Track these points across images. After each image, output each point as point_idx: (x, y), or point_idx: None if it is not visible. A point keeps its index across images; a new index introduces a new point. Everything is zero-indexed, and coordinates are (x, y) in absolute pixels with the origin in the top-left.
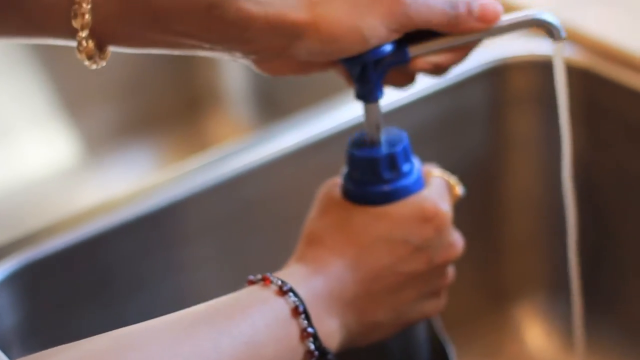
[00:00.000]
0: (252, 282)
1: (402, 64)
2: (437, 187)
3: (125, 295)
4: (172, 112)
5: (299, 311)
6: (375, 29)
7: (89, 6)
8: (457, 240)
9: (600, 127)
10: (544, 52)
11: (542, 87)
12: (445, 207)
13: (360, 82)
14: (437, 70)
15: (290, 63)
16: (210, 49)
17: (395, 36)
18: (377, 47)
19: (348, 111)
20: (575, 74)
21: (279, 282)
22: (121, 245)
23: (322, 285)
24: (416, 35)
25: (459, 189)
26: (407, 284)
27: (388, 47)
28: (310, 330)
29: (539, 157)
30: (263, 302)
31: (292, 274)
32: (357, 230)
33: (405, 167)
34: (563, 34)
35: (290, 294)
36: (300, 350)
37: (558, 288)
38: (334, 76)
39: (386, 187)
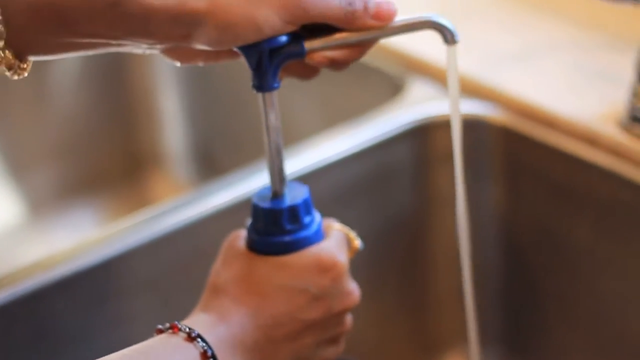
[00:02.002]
0: (160, 331)
1: (298, 57)
2: (335, 239)
3: (63, 350)
4: (114, 171)
5: (208, 355)
6: (269, 18)
7: (0, 17)
8: (354, 289)
9: (521, 183)
10: (468, 111)
11: (464, 144)
12: (343, 258)
13: (256, 72)
14: (334, 65)
15: (195, 51)
16: (118, 45)
17: (291, 28)
18: (273, 38)
19: None
20: (496, 132)
21: (187, 329)
22: (59, 300)
23: (226, 332)
24: (314, 29)
25: (358, 242)
26: (306, 331)
27: (283, 39)
28: None
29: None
30: (174, 348)
31: (197, 322)
32: (259, 279)
33: (306, 219)
34: (457, 37)
35: (199, 339)
36: None
37: (483, 337)
38: None
39: (287, 238)
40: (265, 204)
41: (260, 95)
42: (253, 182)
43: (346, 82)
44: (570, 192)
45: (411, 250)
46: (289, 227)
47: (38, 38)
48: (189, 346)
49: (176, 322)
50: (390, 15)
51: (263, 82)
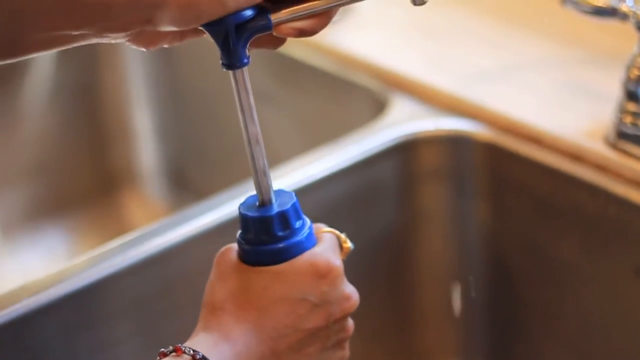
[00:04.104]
0: (164, 354)
1: (265, 30)
2: (328, 242)
3: None
4: (86, 191)
5: None
6: None
7: None
8: (352, 292)
9: (507, 200)
10: (452, 127)
11: (449, 161)
12: (338, 261)
13: (224, 49)
14: (303, 35)
15: (159, 34)
16: (82, 36)
17: (255, 1)
18: (238, 13)
19: None
20: (482, 148)
21: (191, 352)
22: (45, 325)
23: (230, 351)
24: (279, 1)
25: (349, 243)
26: (310, 340)
27: (249, 12)
28: None
29: (448, 229)
30: None
31: (199, 342)
32: (256, 293)
33: (297, 224)
34: None
35: None
36: None
37: (470, 354)
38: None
39: (280, 245)
40: (254, 213)
41: (231, 74)
42: (237, 203)
43: (329, 99)
44: (556, 208)
45: (396, 266)
46: (280, 233)
47: None
48: None
49: (179, 345)
50: None
51: (232, 59)
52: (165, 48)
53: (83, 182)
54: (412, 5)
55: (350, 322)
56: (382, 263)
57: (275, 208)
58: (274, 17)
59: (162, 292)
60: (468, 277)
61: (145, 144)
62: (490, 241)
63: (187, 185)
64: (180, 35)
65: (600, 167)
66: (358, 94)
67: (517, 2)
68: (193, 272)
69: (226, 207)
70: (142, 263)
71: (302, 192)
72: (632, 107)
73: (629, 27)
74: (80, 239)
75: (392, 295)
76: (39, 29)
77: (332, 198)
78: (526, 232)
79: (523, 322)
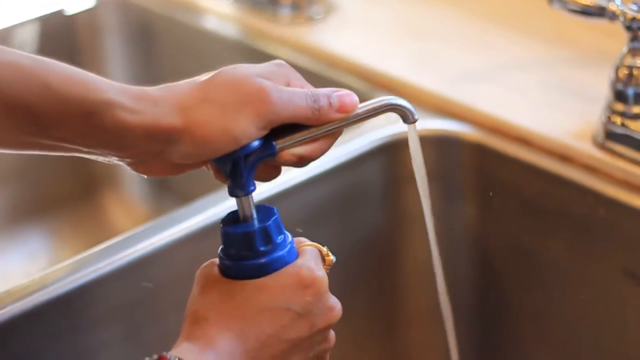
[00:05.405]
0: None
1: (271, 157)
2: (311, 255)
3: None
4: (68, 195)
5: None
6: (245, 129)
7: None
8: (335, 304)
9: (495, 200)
10: (439, 128)
11: (436, 162)
12: (321, 273)
13: (232, 178)
14: (302, 161)
15: (165, 165)
16: (88, 152)
17: (264, 133)
18: (247, 144)
19: None
20: (469, 149)
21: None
22: (31, 331)
23: None
24: (279, 127)
25: (332, 256)
26: (293, 350)
27: (256, 143)
28: None
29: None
30: None
31: (184, 351)
32: (240, 303)
33: (279, 239)
34: (416, 116)
35: None
36: None
37: (459, 357)
38: None
39: (263, 260)
40: (236, 229)
41: (237, 201)
42: (222, 206)
43: None
44: (545, 209)
45: (382, 269)
46: (262, 248)
47: (6, 134)
48: None
49: (164, 353)
50: (353, 106)
51: (240, 187)
52: (145, 49)
53: (65, 185)
54: (397, 4)
55: (332, 334)
56: (368, 265)
57: (257, 223)
58: (278, 144)
59: (147, 296)
60: (455, 279)
61: None
62: (478, 242)
63: (168, 188)
64: (184, 167)
65: (589, 167)
66: None
67: (504, 1)
68: (178, 275)
69: (210, 210)
70: (127, 267)
71: (287, 194)
72: (620, 107)
73: (617, 26)
74: (62, 242)
75: (378, 298)
76: (52, 138)
77: (317, 200)
78: (514, 233)
79: (511, 324)
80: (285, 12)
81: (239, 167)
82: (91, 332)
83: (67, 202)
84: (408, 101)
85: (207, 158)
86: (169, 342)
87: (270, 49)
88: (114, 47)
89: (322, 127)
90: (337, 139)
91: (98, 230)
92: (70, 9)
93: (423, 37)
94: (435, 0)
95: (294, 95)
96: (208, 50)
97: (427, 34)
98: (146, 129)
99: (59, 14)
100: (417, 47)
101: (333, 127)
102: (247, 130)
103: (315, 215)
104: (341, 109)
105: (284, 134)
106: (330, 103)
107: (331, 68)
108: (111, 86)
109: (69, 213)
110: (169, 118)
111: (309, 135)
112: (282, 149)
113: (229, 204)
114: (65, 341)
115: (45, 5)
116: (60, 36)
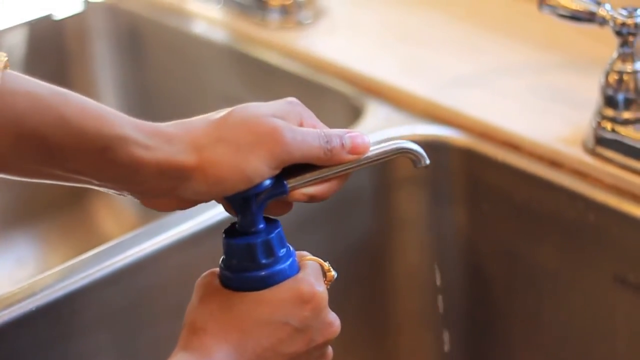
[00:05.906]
0: None
1: (281, 195)
2: (312, 270)
3: None
4: (57, 200)
5: None
6: (258, 168)
7: None
8: (334, 320)
9: (484, 206)
10: (428, 133)
11: (428, 168)
12: (321, 288)
13: (243, 215)
14: (313, 200)
15: (176, 200)
16: (100, 185)
17: (276, 172)
18: (259, 183)
19: None
20: (459, 154)
21: None
22: (18, 339)
23: None
24: (291, 165)
25: (333, 272)
26: None
27: (268, 181)
28: None
29: (424, 236)
30: None
31: None
32: (238, 315)
33: (281, 252)
34: (427, 160)
35: None
36: None
37: None
38: None
39: (264, 272)
40: (238, 240)
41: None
42: (215, 210)
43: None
44: (535, 214)
45: (372, 274)
46: (264, 261)
47: (18, 163)
48: None
49: None
50: (365, 148)
51: (249, 225)
52: (134, 54)
53: (53, 191)
54: (386, 9)
55: (329, 350)
56: (359, 270)
57: (260, 235)
58: (289, 183)
59: (138, 303)
60: (445, 284)
61: None
62: (468, 248)
63: None
64: (194, 202)
65: (579, 173)
66: (333, 100)
67: (493, 6)
68: (169, 282)
69: (200, 217)
70: (117, 273)
71: None
72: (610, 112)
73: (607, 31)
74: (51, 248)
75: (369, 303)
76: (65, 170)
77: (308, 205)
78: (504, 238)
79: (501, 329)
80: (274, 17)
81: (250, 205)
82: (81, 340)
83: (56, 208)
84: (418, 145)
85: (219, 196)
86: (160, 349)
87: (259, 53)
88: (102, 51)
89: (333, 168)
90: (347, 179)
91: (87, 236)
92: (59, 14)
93: (412, 42)
94: (425, 5)
95: (307, 135)
96: (197, 55)
97: (416, 39)
98: (159, 165)
99: (47, 18)
100: (406, 51)
101: (344, 168)
102: (260, 169)
103: (306, 220)
104: (353, 150)
105: (296, 172)
106: (342, 144)
107: (320, 73)
108: (126, 121)
109: (58, 219)
110: (182, 156)
111: (320, 176)
112: (293, 188)
113: (219, 211)
114: (54, 349)
115: (34, 9)
116: (48, 41)
